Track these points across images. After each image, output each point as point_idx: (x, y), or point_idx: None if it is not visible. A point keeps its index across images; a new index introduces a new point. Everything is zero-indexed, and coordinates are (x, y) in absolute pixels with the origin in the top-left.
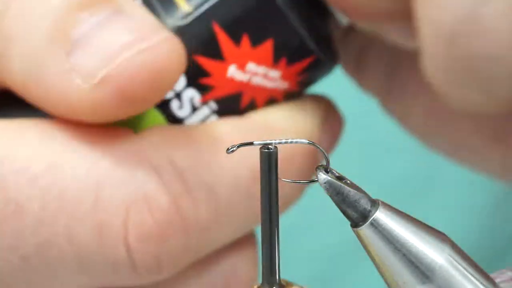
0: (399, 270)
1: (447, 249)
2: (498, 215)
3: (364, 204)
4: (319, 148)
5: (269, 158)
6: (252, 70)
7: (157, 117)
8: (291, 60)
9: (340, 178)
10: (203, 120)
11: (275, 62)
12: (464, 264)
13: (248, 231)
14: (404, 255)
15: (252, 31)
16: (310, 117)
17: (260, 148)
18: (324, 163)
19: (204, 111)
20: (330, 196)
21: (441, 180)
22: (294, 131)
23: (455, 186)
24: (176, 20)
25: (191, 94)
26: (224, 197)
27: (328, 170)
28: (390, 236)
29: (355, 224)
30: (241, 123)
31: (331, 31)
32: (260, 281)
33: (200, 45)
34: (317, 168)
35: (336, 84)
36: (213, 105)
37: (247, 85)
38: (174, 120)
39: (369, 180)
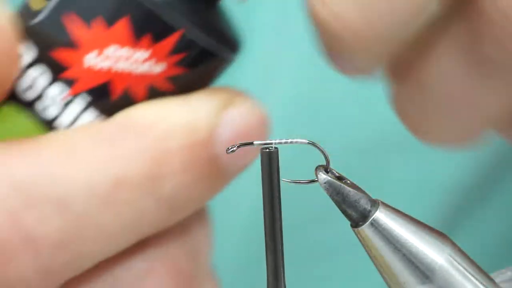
0: (399, 270)
1: (447, 249)
2: None
3: (364, 204)
4: (319, 148)
5: (269, 158)
6: (112, 54)
7: (22, 122)
8: (156, 37)
9: (340, 178)
10: (78, 116)
11: (137, 41)
12: (464, 264)
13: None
14: (404, 255)
15: (104, 12)
16: (195, 108)
17: (261, 149)
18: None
19: (75, 106)
20: (330, 196)
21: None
22: (169, 127)
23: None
24: (29, 20)
25: (55, 91)
26: (78, 208)
27: (328, 170)
28: (390, 236)
29: (355, 224)
30: (97, 128)
31: (214, 12)
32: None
33: (54, 40)
34: (317, 168)
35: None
36: (82, 98)
37: (111, 72)
38: (45, 122)
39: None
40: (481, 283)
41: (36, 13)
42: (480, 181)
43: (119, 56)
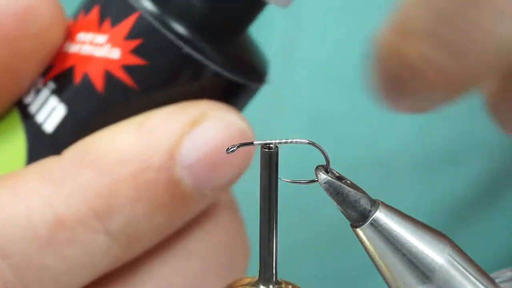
0: (399, 270)
1: (447, 249)
2: None
3: (364, 204)
4: (319, 148)
5: (269, 158)
6: (81, 39)
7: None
8: (114, 21)
9: (340, 178)
10: (44, 103)
11: (99, 25)
12: (464, 264)
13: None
14: (404, 255)
15: (85, 4)
16: (152, 129)
17: (261, 148)
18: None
19: (44, 93)
20: (330, 196)
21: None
22: (120, 154)
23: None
24: None
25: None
26: (18, 254)
27: (328, 170)
28: (390, 236)
29: (355, 224)
30: (45, 166)
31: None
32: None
33: None
34: (317, 168)
35: None
36: (51, 85)
37: (77, 56)
38: (22, 107)
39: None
40: (481, 283)
41: None
42: (488, 191)
43: (85, 41)
